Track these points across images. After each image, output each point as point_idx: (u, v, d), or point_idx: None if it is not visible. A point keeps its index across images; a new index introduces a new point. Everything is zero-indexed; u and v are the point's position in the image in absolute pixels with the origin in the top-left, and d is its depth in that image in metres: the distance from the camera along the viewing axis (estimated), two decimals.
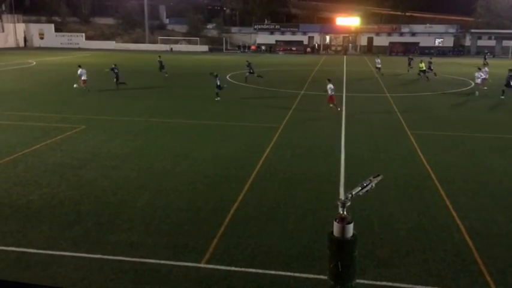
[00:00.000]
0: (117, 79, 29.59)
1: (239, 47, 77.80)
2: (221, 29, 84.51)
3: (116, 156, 15.05)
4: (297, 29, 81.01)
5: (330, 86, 22.65)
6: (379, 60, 42.04)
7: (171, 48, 74.32)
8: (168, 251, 8.87)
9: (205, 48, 75.04)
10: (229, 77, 36.93)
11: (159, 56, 38.90)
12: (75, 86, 27.24)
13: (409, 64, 43.76)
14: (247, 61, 35.54)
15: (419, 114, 22.98)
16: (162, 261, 8.45)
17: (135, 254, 8.68)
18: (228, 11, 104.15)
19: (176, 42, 77.91)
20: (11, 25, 72.07)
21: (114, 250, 8.79)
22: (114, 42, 76.42)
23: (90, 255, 8.60)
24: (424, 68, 37.83)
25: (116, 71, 29.70)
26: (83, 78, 27.34)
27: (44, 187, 12.13)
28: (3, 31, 70.28)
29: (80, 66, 27.89)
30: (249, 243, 9.22)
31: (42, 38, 74.63)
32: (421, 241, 9.36)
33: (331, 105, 22.70)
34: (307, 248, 9.04)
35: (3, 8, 72.80)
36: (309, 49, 77.19)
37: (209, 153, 15.58)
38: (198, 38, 78.15)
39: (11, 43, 70.94)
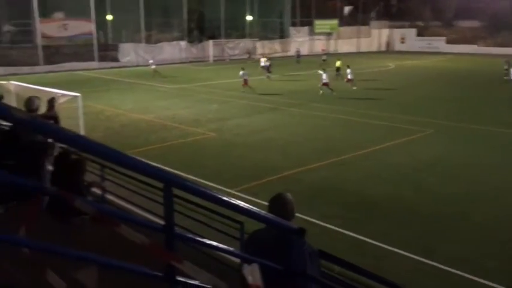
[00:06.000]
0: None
1: None
2: None
3: (458, 166, 14.46)
4: None
5: None
6: None
7: None
8: (501, 275, 8.11)
9: None
10: None
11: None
12: None
13: None
14: None
15: None
16: (494, 285, 7.81)
17: (467, 269, 8.26)
18: None
19: None
20: (377, 31, 78.28)
21: (446, 260, 8.58)
22: (476, 45, 72.67)
23: (421, 259, 8.67)
24: None
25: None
26: None
27: (387, 183, 12.84)
28: (369, 36, 77.16)
29: None
30: None
31: (402, 42, 78.00)
32: None
33: None
34: None
35: (372, 15, 79.68)
36: None
37: None
38: None
39: (374, 47, 77.12)
